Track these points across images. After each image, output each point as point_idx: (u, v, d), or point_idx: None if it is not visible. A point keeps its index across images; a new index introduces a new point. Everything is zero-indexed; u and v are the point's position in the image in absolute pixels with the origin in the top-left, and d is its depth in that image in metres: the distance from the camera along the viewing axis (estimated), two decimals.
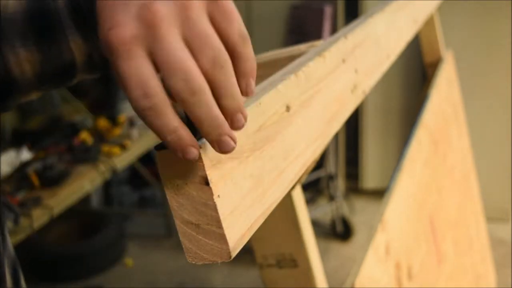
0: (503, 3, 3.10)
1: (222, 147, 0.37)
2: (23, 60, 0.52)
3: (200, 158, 0.38)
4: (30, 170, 2.47)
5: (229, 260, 0.39)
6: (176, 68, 0.34)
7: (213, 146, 0.37)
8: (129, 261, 3.09)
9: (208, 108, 0.35)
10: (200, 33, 0.35)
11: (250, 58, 0.38)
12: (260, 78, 0.68)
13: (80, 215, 3.23)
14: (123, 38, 0.34)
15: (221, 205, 0.39)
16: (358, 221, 3.26)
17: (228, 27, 0.37)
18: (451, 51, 1.85)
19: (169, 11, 0.35)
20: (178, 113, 0.36)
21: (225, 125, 0.36)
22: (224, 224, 0.39)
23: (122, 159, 2.78)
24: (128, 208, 3.67)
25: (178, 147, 0.35)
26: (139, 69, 0.34)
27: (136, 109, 0.35)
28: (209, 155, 0.39)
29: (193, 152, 0.36)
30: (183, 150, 0.36)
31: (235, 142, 0.37)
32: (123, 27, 0.34)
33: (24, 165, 2.55)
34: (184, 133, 0.35)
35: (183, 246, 0.39)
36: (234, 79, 0.37)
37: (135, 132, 2.92)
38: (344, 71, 0.67)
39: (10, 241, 0.67)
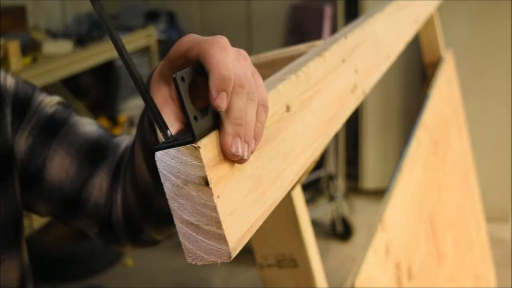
0: (503, 3, 3.10)
1: (232, 146, 0.40)
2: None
3: (200, 158, 0.38)
4: None
5: (229, 261, 0.39)
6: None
7: (224, 141, 0.40)
8: (129, 261, 3.09)
9: (243, 102, 0.41)
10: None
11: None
12: None
13: None
14: (225, 41, 0.44)
15: (221, 206, 0.39)
16: (358, 221, 3.26)
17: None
18: (451, 51, 1.85)
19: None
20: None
21: (248, 130, 0.41)
22: (224, 225, 0.39)
23: None
24: None
25: (225, 85, 0.41)
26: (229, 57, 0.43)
27: (208, 42, 0.43)
28: (209, 156, 0.39)
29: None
30: (227, 90, 0.41)
31: (245, 155, 0.41)
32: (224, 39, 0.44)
33: None
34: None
35: (183, 247, 0.39)
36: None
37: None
38: (344, 71, 0.67)
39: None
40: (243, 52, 0.46)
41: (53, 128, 0.72)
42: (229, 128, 0.41)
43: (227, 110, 0.41)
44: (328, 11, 3.35)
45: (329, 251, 3.07)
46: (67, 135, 0.72)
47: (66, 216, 0.73)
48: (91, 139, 0.73)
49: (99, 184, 0.71)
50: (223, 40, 0.43)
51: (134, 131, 0.64)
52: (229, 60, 0.42)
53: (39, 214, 0.75)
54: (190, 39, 0.44)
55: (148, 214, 0.67)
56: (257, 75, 0.46)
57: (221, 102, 0.40)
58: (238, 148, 0.41)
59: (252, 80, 0.44)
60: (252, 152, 0.42)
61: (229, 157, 0.40)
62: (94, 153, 0.72)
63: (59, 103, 0.74)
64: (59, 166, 0.70)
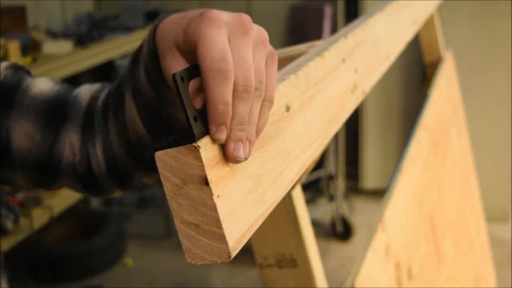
0: (503, 3, 3.10)
1: (234, 151, 0.40)
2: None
3: (199, 158, 0.38)
4: None
5: (228, 260, 0.39)
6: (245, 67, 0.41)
7: (227, 146, 0.40)
8: (129, 261, 3.09)
9: (247, 107, 0.41)
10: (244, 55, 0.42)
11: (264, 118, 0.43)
12: None
13: (80, 215, 3.22)
14: (219, 15, 0.42)
15: (220, 205, 0.39)
16: (358, 221, 3.26)
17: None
18: (451, 51, 1.85)
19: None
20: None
21: (251, 129, 0.41)
22: (224, 224, 0.39)
23: None
24: (128, 208, 3.66)
25: (224, 119, 0.40)
26: (223, 39, 0.41)
27: (207, 68, 0.40)
28: (209, 155, 0.39)
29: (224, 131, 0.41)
30: (226, 123, 0.40)
31: (247, 155, 0.41)
32: (220, 12, 0.43)
33: None
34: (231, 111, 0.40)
35: (183, 246, 0.39)
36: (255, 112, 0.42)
37: None
38: (344, 71, 0.67)
39: None
40: (263, 34, 0.45)
41: (7, 97, 0.69)
42: (231, 133, 0.41)
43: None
44: (328, 11, 3.35)
45: (329, 251, 3.07)
46: (22, 101, 0.69)
47: (45, 181, 0.71)
48: (47, 100, 0.69)
49: (69, 142, 0.69)
50: (228, 66, 0.41)
51: None
52: (227, 91, 0.40)
53: (21, 187, 0.72)
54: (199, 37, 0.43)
55: (140, 163, 0.65)
56: (271, 65, 0.45)
57: (221, 136, 0.40)
58: (240, 153, 0.41)
59: (264, 75, 0.43)
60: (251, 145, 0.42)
61: (231, 161, 0.41)
62: (54, 113, 0.69)
63: (7, 68, 0.71)
64: (23, 134, 0.68)
